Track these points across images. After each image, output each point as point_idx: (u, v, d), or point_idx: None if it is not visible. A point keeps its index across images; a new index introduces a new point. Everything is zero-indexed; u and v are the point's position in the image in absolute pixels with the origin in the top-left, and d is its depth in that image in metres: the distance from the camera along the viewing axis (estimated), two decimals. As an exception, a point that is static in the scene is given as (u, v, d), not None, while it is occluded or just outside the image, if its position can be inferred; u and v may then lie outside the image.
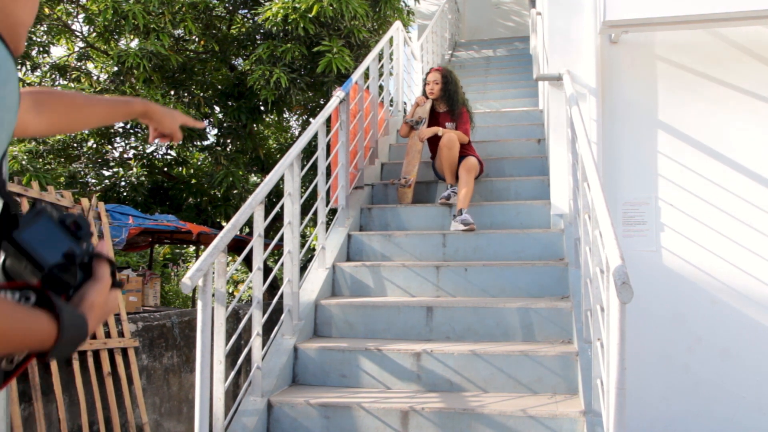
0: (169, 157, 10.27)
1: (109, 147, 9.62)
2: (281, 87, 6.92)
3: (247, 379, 2.91)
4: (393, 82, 6.27)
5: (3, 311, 0.69)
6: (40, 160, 8.45)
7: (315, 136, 3.86)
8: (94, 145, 9.29)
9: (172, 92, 8.29)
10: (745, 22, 3.84)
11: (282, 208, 3.38)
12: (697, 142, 3.99)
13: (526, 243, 3.97)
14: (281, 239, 3.38)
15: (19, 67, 7.81)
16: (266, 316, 3.19)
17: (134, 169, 9.44)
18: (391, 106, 6.28)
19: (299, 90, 7.25)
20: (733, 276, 3.86)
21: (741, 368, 3.79)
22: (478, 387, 2.99)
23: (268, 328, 3.25)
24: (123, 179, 9.48)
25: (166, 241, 10.92)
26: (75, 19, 8.66)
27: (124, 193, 9.28)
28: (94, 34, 7.95)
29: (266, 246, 3.27)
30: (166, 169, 10.02)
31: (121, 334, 4.32)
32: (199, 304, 2.47)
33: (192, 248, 14.90)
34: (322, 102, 8.62)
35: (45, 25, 8.37)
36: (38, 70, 8.59)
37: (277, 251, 10.54)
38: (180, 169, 10.30)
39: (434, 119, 4.91)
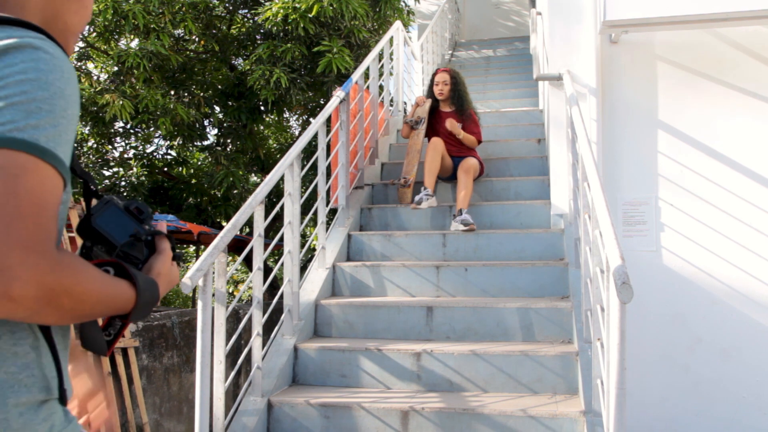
0: (169, 157, 10.27)
1: (109, 147, 9.62)
2: (281, 87, 6.92)
3: (247, 379, 2.91)
4: (393, 82, 6.27)
5: (98, 278, 0.85)
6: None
7: (315, 136, 3.86)
8: (94, 145, 9.29)
9: (172, 92, 8.29)
10: (745, 22, 3.84)
11: (282, 208, 3.38)
12: (697, 142, 3.99)
13: (526, 243, 3.97)
14: (281, 239, 3.38)
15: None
16: (266, 316, 3.19)
17: (134, 169, 9.44)
18: (391, 106, 6.28)
19: (299, 90, 7.25)
20: (733, 276, 3.86)
21: (741, 368, 3.79)
22: (478, 387, 2.99)
23: (268, 328, 3.26)
24: (123, 179, 9.49)
25: (166, 241, 10.89)
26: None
27: (125, 193, 9.28)
28: (94, 34, 7.94)
29: (266, 246, 3.27)
30: (166, 169, 10.02)
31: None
32: (199, 304, 2.47)
33: (192, 248, 14.91)
34: (322, 102, 8.62)
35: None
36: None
37: (278, 251, 10.54)
38: (180, 169, 10.31)
39: (439, 119, 4.91)
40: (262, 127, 10.01)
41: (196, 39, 8.38)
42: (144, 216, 1.01)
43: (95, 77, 8.77)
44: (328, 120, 4.15)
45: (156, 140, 9.98)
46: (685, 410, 3.82)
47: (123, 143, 9.81)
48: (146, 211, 1.02)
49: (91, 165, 9.14)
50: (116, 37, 7.73)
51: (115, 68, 7.30)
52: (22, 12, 0.90)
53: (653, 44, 4.10)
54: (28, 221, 0.76)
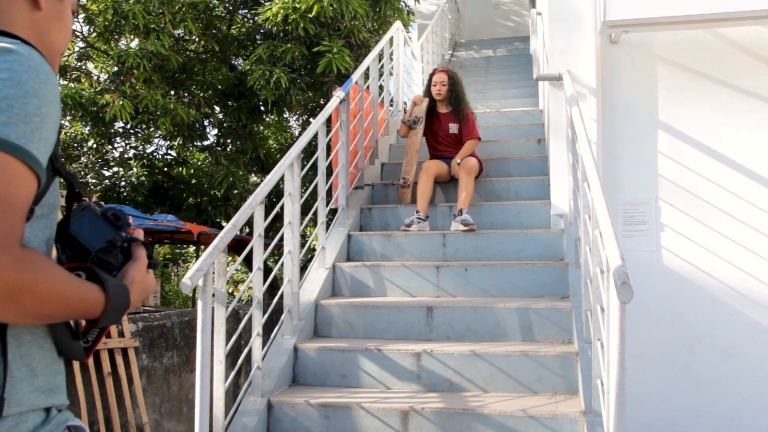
0: (169, 157, 10.27)
1: (109, 147, 9.62)
2: (281, 87, 6.92)
3: (247, 379, 2.91)
4: (393, 82, 6.27)
5: (64, 280, 0.85)
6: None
7: (315, 136, 3.86)
8: (94, 145, 9.29)
9: (172, 92, 8.29)
10: (745, 22, 3.84)
11: (282, 208, 3.38)
12: (697, 142, 3.99)
13: (526, 243, 3.97)
14: (281, 239, 3.38)
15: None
16: (266, 316, 3.19)
17: (134, 169, 9.44)
18: (391, 106, 6.28)
19: (299, 90, 7.24)
20: (733, 276, 3.86)
21: (741, 368, 3.79)
22: (478, 387, 2.99)
23: (268, 328, 3.26)
24: (123, 179, 9.49)
25: (166, 241, 10.93)
26: (75, 19, 8.65)
27: (125, 193, 9.28)
28: (94, 34, 7.94)
29: (266, 246, 3.27)
30: (166, 169, 10.02)
31: (121, 334, 4.32)
32: (199, 304, 2.47)
33: (192, 248, 14.91)
34: (322, 102, 8.62)
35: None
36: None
37: (277, 251, 10.55)
38: (180, 169, 10.31)
39: (436, 120, 4.91)
40: (262, 127, 10.01)
41: (196, 39, 8.38)
42: (121, 223, 1.03)
43: (95, 77, 8.77)
44: (328, 120, 4.15)
45: (156, 140, 9.98)
46: (685, 410, 3.82)
47: (123, 143, 9.81)
48: (123, 218, 1.03)
49: (91, 165, 9.14)
50: (116, 37, 7.73)
51: (115, 68, 7.30)
52: (12, 26, 0.94)
53: (653, 44, 4.10)
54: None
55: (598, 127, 4.02)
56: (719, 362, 3.82)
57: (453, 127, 4.83)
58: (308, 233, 10.61)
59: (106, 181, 9.32)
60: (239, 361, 2.92)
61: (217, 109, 8.91)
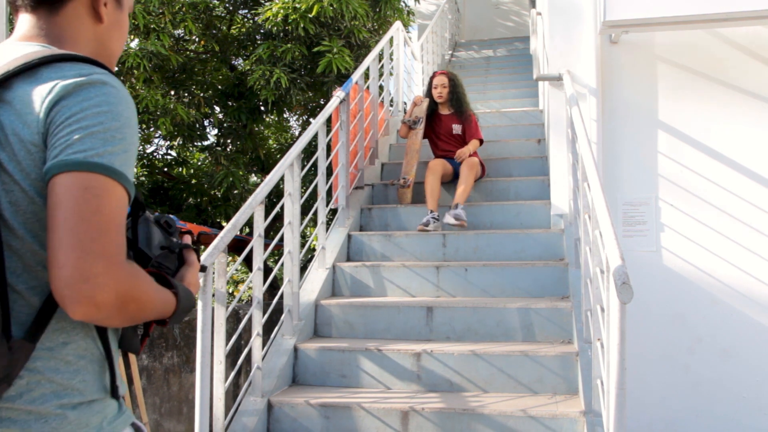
0: (169, 157, 10.27)
1: (110, 147, 9.60)
2: (281, 87, 6.92)
3: (247, 379, 2.91)
4: (393, 82, 6.28)
5: (155, 287, 0.98)
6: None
7: (315, 137, 3.86)
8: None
9: (172, 92, 8.29)
10: (745, 22, 3.84)
11: (282, 208, 3.38)
12: (697, 142, 3.99)
13: (526, 243, 3.97)
14: (281, 239, 3.38)
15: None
16: (266, 316, 3.19)
17: (134, 169, 9.41)
18: (391, 106, 6.28)
19: (299, 90, 7.24)
20: (733, 276, 3.86)
21: (741, 368, 3.79)
22: (478, 387, 2.99)
23: (268, 328, 3.26)
24: (123, 179, 9.45)
25: (166, 241, 10.90)
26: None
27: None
28: (94, 34, 7.92)
29: (266, 246, 3.27)
30: (166, 169, 10.02)
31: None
32: (199, 304, 2.47)
33: (192, 248, 14.85)
34: (322, 102, 8.62)
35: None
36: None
37: (278, 251, 10.54)
38: (180, 169, 10.30)
39: (438, 120, 4.92)
40: (262, 127, 10.01)
41: (196, 39, 8.38)
42: (172, 230, 1.12)
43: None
44: (328, 120, 4.15)
45: (156, 140, 9.98)
46: (685, 410, 3.82)
47: (123, 143, 9.78)
48: (173, 225, 1.13)
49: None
50: (116, 37, 7.71)
51: (115, 68, 7.28)
52: (76, 46, 1.03)
53: (653, 44, 4.10)
54: (110, 236, 0.88)
55: (598, 127, 4.02)
56: (719, 362, 3.82)
57: (456, 128, 4.84)
58: (308, 233, 10.61)
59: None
60: (239, 361, 2.92)
61: (217, 109, 8.91)
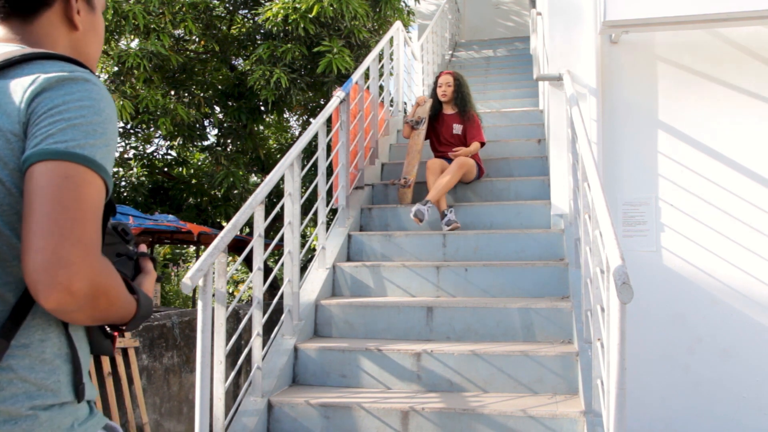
0: (169, 157, 10.27)
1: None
2: (281, 87, 6.92)
3: (248, 379, 2.91)
4: (393, 82, 6.27)
5: (123, 287, 0.97)
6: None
7: (315, 137, 3.86)
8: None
9: (172, 92, 8.29)
10: (745, 22, 3.84)
11: (282, 208, 3.38)
12: (697, 142, 3.99)
13: (526, 243, 3.97)
14: (281, 239, 3.38)
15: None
16: (266, 316, 3.19)
17: (134, 169, 9.43)
18: (392, 106, 6.27)
19: (299, 90, 7.24)
20: (733, 276, 3.86)
21: (741, 368, 3.79)
22: (479, 387, 2.99)
23: (269, 328, 3.26)
24: (123, 179, 9.48)
25: (167, 241, 10.93)
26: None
27: (125, 193, 9.27)
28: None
29: (266, 246, 3.27)
30: (166, 169, 10.02)
31: (121, 334, 4.32)
32: (200, 304, 2.47)
33: (192, 248, 14.90)
34: (322, 102, 8.62)
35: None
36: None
37: (278, 251, 10.54)
38: (180, 169, 10.30)
39: (441, 120, 4.91)
40: (262, 127, 10.01)
41: (196, 39, 8.38)
42: (129, 237, 1.11)
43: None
44: (329, 120, 4.15)
45: (156, 140, 9.98)
46: (685, 410, 3.82)
47: (123, 143, 9.81)
48: (130, 233, 1.13)
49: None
50: (116, 37, 7.72)
51: (115, 68, 7.29)
52: (55, 49, 1.04)
53: (653, 44, 4.10)
54: (88, 225, 0.88)
55: (598, 127, 4.02)
56: (719, 362, 3.82)
57: (457, 128, 4.84)
58: (308, 233, 10.61)
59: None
60: (239, 361, 2.92)
61: (217, 109, 8.91)
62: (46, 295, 0.85)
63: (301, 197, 3.48)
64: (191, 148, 9.72)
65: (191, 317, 4.97)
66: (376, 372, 3.10)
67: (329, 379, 3.15)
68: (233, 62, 8.82)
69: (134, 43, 7.63)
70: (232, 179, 8.03)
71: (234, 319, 5.15)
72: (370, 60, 5.00)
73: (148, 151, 9.96)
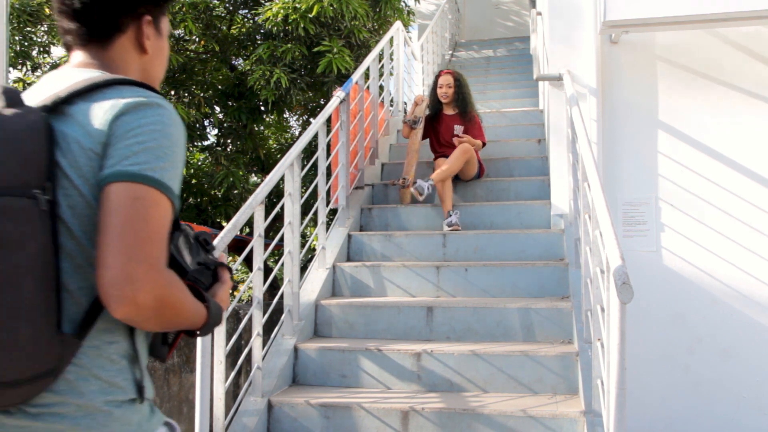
0: (169, 157, 10.24)
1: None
2: (281, 87, 6.92)
3: (248, 379, 2.92)
4: (393, 82, 6.27)
5: (190, 298, 1.04)
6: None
7: (315, 137, 3.86)
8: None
9: (172, 92, 8.29)
10: (745, 22, 3.84)
11: (282, 208, 3.38)
12: (697, 142, 3.99)
13: (526, 243, 3.97)
14: (281, 239, 3.38)
15: (19, 67, 7.83)
16: (266, 316, 3.19)
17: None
18: (392, 106, 6.27)
19: (299, 90, 7.24)
20: (733, 276, 3.86)
21: (741, 368, 3.79)
22: (479, 387, 2.99)
23: (269, 328, 3.26)
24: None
25: (167, 241, 10.90)
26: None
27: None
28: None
29: (266, 246, 3.27)
30: (166, 169, 9.99)
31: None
32: (200, 304, 2.46)
33: (192, 248, 14.85)
34: (322, 102, 8.62)
35: (45, 26, 8.37)
36: (39, 70, 8.59)
37: (278, 251, 10.53)
38: (180, 169, 10.28)
39: (441, 120, 4.90)
40: (262, 127, 10.00)
41: (196, 39, 8.37)
42: (209, 247, 1.17)
43: (95, 77, 8.75)
44: (329, 120, 4.15)
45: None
46: (685, 410, 3.82)
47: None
48: (210, 243, 1.18)
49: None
50: (116, 37, 7.71)
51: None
52: (127, 72, 1.15)
53: (653, 44, 4.10)
54: (154, 244, 0.96)
55: (598, 127, 4.02)
56: (719, 362, 3.82)
57: (458, 129, 4.82)
58: (308, 233, 10.61)
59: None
60: (239, 361, 2.92)
61: (217, 109, 8.90)
62: (115, 307, 0.94)
63: (301, 197, 3.48)
64: (191, 148, 9.72)
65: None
66: (376, 372, 3.10)
67: (329, 379, 3.15)
68: (233, 62, 8.81)
69: (134, 43, 7.62)
70: (232, 179, 8.03)
71: (234, 319, 5.15)
72: (370, 60, 5.00)
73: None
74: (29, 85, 7.96)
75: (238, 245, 8.82)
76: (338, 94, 4.26)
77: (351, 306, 3.52)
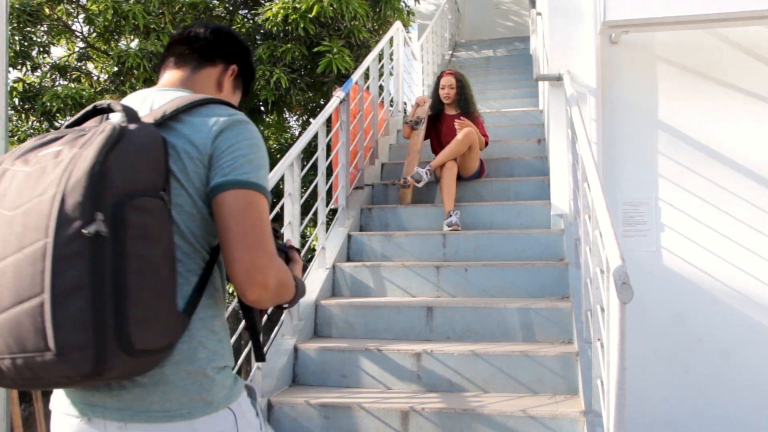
0: (169, 157, 10.23)
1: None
2: (281, 87, 6.92)
3: (247, 379, 2.91)
4: (393, 82, 6.27)
5: (291, 275, 1.28)
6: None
7: (315, 137, 3.86)
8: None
9: (172, 92, 8.27)
10: (745, 22, 3.84)
11: (282, 208, 3.38)
12: (697, 142, 4.00)
13: (526, 243, 3.97)
14: (281, 239, 3.37)
15: (19, 67, 7.82)
16: (266, 316, 3.19)
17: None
18: (392, 106, 6.28)
19: (299, 90, 7.24)
20: (733, 276, 3.86)
21: (741, 368, 3.80)
22: (479, 387, 2.99)
23: (268, 328, 3.26)
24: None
25: (167, 241, 10.90)
26: (75, 20, 8.65)
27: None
28: (94, 35, 7.94)
29: (266, 246, 3.26)
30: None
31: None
32: (200, 304, 2.46)
33: (192, 248, 14.86)
34: (322, 102, 8.62)
35: (45, 26, 8.37)
36: (38, 70, 8.59)
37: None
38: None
39: (442, 122, 4.90)
40: (262, 127, 10.00)
41: (196, 39, 8.37)
42: (279, 233, 1.38)
43: (95, 78, 8.77)
44: (328, 120, 4.15)
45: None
46: (685, 410, 3.82)
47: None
48: (279, 230, 1.42)
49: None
50: (116, 37, 7.73)
51: (115, 68, 7.29)
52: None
53: (653, 44, 4.10)
54: (267, 237, 1.18)
55: (598, 127, 4.02)
56: (719, 362, 3.82)
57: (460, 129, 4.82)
58: (308, 233, 10.60)
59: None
60: (239, 361, 2.92)
61: (217, 109, 8.89)
62: (250, 291, 1.16)
63: (301, 197, 3.48)
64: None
65: (191, 317, 4.96)
66: (376, 372, 3.10)
67: (329, 379, 3.15)
68: (233, 62, 8.80)
69: (134, 44, 7.63)
70: (232, 179, 8.02)
71: (234, 319, 5.15)
72: (370, 60, 5.00)
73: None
74: (29, 85, 7.96)
75: (238, 245, 8.82)
76: (338, 94, 4.26)
77: (351, 306, 3.52)
